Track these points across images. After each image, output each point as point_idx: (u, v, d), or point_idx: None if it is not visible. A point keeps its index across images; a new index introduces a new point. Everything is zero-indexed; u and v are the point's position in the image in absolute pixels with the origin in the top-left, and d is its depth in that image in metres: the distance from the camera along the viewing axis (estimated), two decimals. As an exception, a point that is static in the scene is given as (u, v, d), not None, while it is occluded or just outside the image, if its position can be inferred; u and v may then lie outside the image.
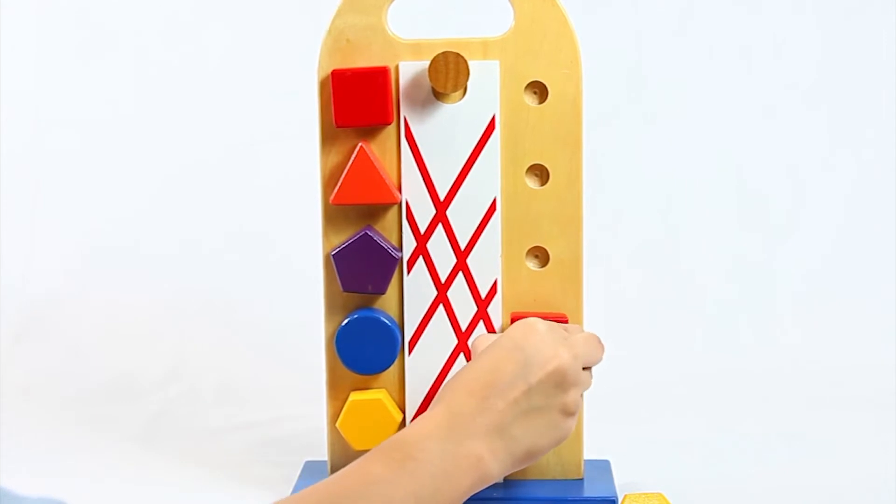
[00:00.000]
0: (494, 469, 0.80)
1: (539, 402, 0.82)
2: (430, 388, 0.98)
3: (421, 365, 0.98)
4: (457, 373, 0.84)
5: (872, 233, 1.51)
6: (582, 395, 0.87)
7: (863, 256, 1.50)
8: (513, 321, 0.95)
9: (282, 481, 1.03)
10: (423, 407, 0.98)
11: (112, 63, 1.57)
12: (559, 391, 0.83)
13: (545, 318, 0.95)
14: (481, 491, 0.96)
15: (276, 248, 1.51)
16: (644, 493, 0.93)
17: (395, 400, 0.98)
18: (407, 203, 0.96)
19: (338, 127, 0.95)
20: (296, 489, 0.99)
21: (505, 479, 0.98)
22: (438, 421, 0.79)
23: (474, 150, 0.96)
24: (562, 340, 0.85)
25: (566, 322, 0.95)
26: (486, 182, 0.96)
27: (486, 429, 0.80)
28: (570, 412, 0.84)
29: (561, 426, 0.84)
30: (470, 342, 0.95)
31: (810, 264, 1.50)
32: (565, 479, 0.98)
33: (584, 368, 0.87)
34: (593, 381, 0.90)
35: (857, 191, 1.53)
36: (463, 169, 0.96)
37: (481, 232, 0.96)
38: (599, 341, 0.90)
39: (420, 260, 0.97)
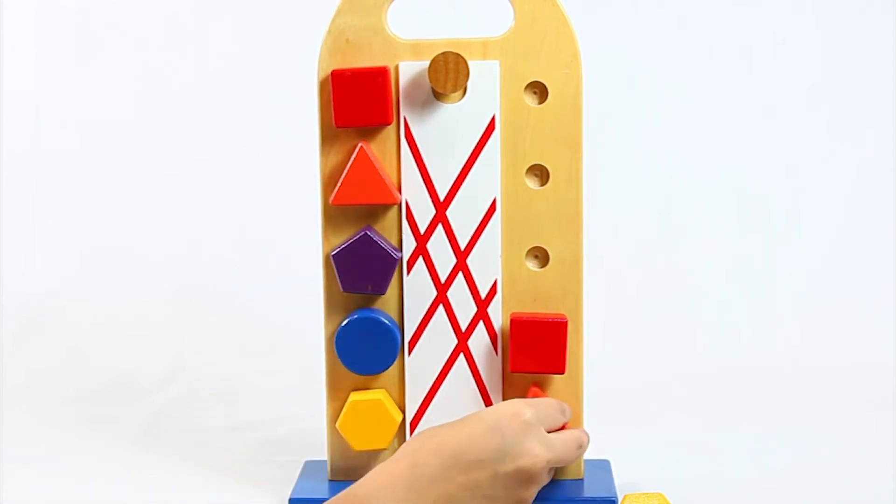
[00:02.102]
0: None
1: (498, 490, 0.82)
2: (430, 388, 0.98)
3: (421, 365, 0.98)
4: (433, 429, 0.84)
5: (872, 233, 1.51)
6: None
7: (863, 257, 1.50)
8: (512, 322, 0.95)
9: (282, 481, 1.03)
10: (423, 407, 0.98)
11: (112, 63, 1.57)
12: (521, 488, 0.83)
13: (545, 318, 0.95)
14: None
15: (276, 249, 1.51)
16: (644, 493, 0.93)
17: (394, 400, 0.98)
18: (407, 203, 0.96)
19: (338, 127, 0.95)
20: (296, 489, 0.99)
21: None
22: (399, 476, 0.79)
23: (474, 150, 0.96)
24: (545, 439, 0.85)
25: (566, 322, 0.95)
26: (486, 182, 0.96)
27: (439, 497, 0.80)
28: None
29: None
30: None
31: (810, 264, 1.50)
32: (565, 479, 0.98)
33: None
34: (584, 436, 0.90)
35: (857, 191, 1.53)
36: (463, 169, 0.96)
37: (481, 232, 0.96)
38: (581, 444, 0.90)
39: (420, 260, 0.97)
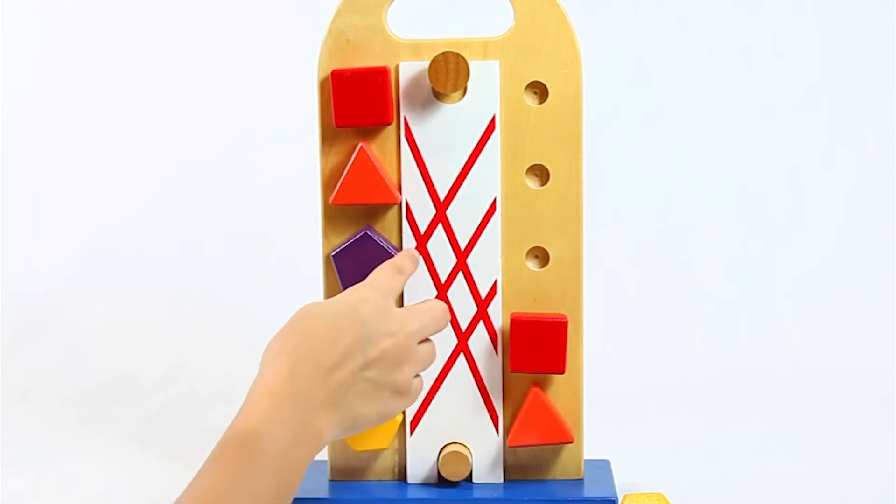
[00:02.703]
0: (328, 439, 0.80)
1: (374, 376, 0.82)
2: (430, 388, 0.98)
3: (421, 365, 0.97)
4: (285, 335, 0.82)
5: (872, 233, 1.51)
6: (419, 375, 0.86)
7: (863, 257, 1.50)
8: (512, 322, 0.95)
9: (282, 481, 1.03)
10: (423, 407, 0.98)
11: (112, 63, 1.57)
12: (392, 369, 0.83)
13: (545, 318, 0.95)
14: (481, 491, 0.96)
15: (276, 249, 1.51)
16: (644, 493, 0.93)
17: (395, 400, 0.98)
18: (407, 203, 0.96)
19: (338, 127, 0.95)
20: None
21: (505, 480, 0.98)
22: (282, 395, 0.78)
23: (474, 150, 0.96)
24: (398, 316, 0.84)
25: (566, 322, 0.95)
26: (486, 182, 0.96)
27: (325, 401, 0.80)
28: (401, 391, 0.84)
29: (389, 404, 0.83)
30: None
31: (810, 264, 1.50)
32: (565, 479, 0.98)
33: (423, 341, 0.86)
34: (436, 354, 0.88)
35: (857, 191, 1.53)
36: (463, 169, 0.96)
37: (481, 232, 0.96)
38: (444, 311, 0.89)
39: (420, 260, 0.97)
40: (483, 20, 1.09)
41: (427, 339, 0.87)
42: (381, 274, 0.89)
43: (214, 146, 1.55)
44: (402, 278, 0.90)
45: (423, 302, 0.89)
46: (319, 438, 0.79)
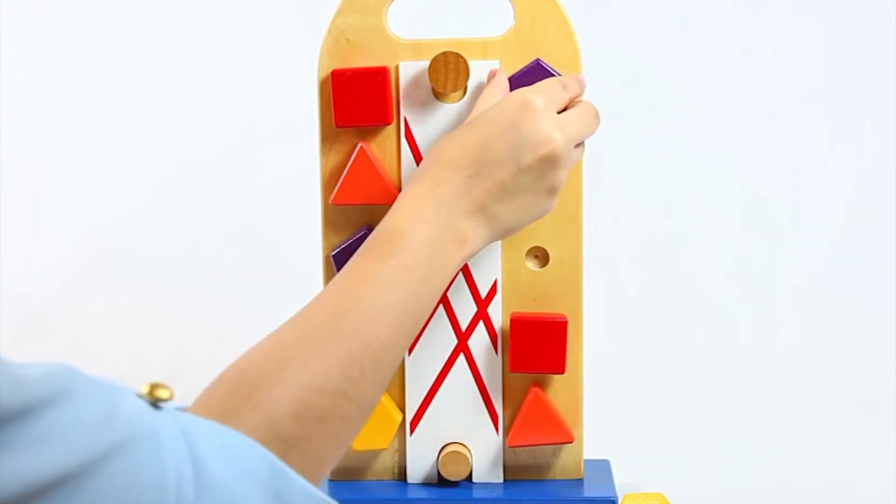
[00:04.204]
0: (475, 247, 0.81)
1: (526, 183, 0.82)
2: (430, 388, 0.98)
3: (421, 365, 0.98)
4: (445, 140, 0.83)
5: (872, 233, 1.51)
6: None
7: (862, 257, 1.50)
8: (512, 322, 0.95)
9: (282, 481, 1.03)
10: (423, 407, 0.98)
11: (112, 63, 1.57)
12: (547, 173, 0.83)
13: (545, 318, 0.95)
14: (481, 491, 0.96)
15: (276, 249, 1.51)
16: (644, 493, 0.93)
17: (394, 400, 0.98)
18: (407, 203, 0.96)
19: (338, 127, 0.95)
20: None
21: (505, 480, 0.98)
22: (424, 201, 0.79)
23: (474, 150, 0.96)
24: (557, 121, 0.84)
25: (566, 322, 0.95)
26: (486, 182, 0.96)
27: (470, 207, 0.80)
28: (555, 191, 0.84)
29: (542, 205, 0.84)
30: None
31: (810, 264, 1.50)
32: (565, 479, 0.98)
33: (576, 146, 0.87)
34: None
35: (856, 191, 1.53)
36: (463, 169, 0.96)
37: (574, 98, 0.95)
38: (595, 113, 0.89)
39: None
40: (483, 20, 1.09)
41: (580, 144, 0.87)
42: (547, 84, 0.87)
43: (214, 146, 1.55)
44: (567, 94, 0.88)
45: (576, 104, 0.88)
46: (464, 243, 0.79)
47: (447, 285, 0.80)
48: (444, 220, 0.79)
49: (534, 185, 0.82)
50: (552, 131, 0.82)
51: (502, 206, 0.81)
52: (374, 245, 0.77)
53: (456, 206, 0.79)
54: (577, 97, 0.90)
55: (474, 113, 0.87)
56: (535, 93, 0.84)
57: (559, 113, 0.86)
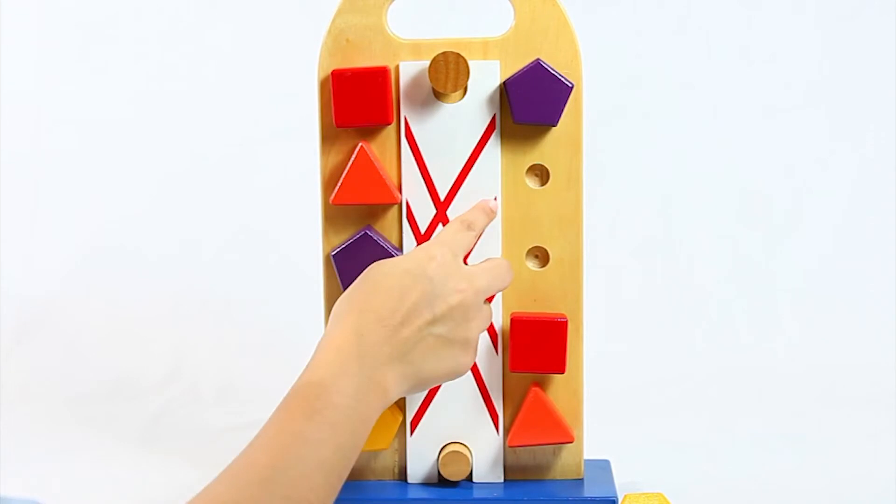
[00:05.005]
0: (396, 396, 0.81)
1: (441, 332, 0.83)
2: (430, 388, 0.98)
3: (421, 365, 0.97)
4: (353, 293, 0.84)
5: (872, 233, 1.51)
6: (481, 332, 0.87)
7: (862, 256, 1.50)
8: (513, 322, 0.95)
9: (282, 481, 1.03)
10: (423, 407, 0.98)
11: (112, 63, 1.57)
12: (460, 325, 0.84)
13: (545, 318, 0.95)
14: (482, 491, 0.96)
15: (276, 248, 1.51)
16: (644, 493, 0.93)
17: (395, 400, 0.98)
18: (407, 203, 0.96)
19: (338, 127, 0.95)
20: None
21: (505, 480, 0.98)
22: (348, 351, 0.79)
23: (474, 150, 0.96)
24: (465, 273, 0.85)
25: (566, 321, 0.95)
26: (487, 182, 0.96)
27: (393, 355, 0.81)
28: (468, 344, 0.85)
29: (458, 357, 0.84)
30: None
31: (810, 264, 1.50)
32: (565, 479, 0.98)
33: (486, 301, 0.88)
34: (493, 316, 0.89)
35: (856, 191, 1.53)
36: (463, 169, 0.96)
37: (481, 232, 0.96)
38: (507, 268, 0.90)
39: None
40: (483, 20, 1.09)
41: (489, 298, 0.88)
42: (450, 230, 0.90)
43: (214, 146, 1.55)
44: (471, 234, 0.90)
45: (486, 260, 0.90)
46: (385, 393, 0.80)
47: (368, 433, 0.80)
48: (368, 370, 0.79)
49: (449, 334, 0.83)
50: (459, 282, 0.84)
51: (420, 355, 0.82)
52: (299, 399, 0.77)
53: (378, 357, 0.80)
54: (484, 227, 0.93)
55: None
56: (440, 246, 0.86)
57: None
